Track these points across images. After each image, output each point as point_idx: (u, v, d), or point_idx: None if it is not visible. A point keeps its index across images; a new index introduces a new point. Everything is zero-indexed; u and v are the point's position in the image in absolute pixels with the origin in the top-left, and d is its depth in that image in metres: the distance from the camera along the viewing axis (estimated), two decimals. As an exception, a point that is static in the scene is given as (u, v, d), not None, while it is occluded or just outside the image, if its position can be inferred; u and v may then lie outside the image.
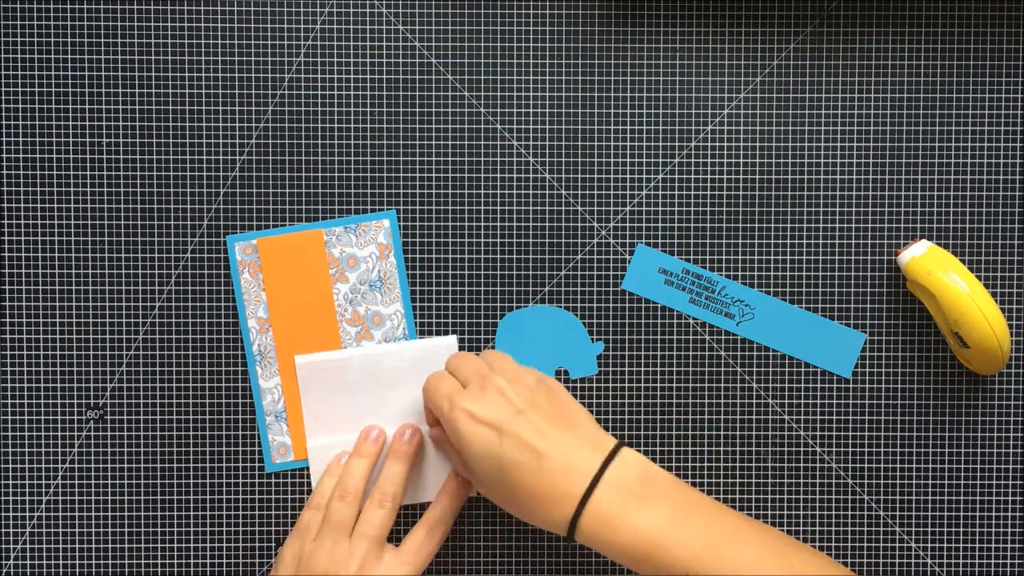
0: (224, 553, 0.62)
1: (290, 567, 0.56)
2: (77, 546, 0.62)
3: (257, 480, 0.62)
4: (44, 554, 0.62)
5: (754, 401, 0.62)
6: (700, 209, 0.61)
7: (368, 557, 0.55)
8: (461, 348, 0.61)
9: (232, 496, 0.62)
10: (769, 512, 0.62)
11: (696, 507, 0.51)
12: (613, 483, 0.51)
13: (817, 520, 0.62)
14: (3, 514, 0.61)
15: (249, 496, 0.62)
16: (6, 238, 0.61)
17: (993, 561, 0.62)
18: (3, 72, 0.61)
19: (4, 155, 0.61)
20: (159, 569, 0.62)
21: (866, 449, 0.62)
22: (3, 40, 0.61)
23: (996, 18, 0.61)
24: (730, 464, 0.62)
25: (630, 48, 0.61)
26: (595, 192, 0.61)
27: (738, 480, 0.62)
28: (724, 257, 0.61)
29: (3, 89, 0.61)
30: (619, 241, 0.61)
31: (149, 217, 0.61)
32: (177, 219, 0.61)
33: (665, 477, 0.52)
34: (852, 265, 0.61)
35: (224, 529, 0.62)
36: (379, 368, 0.61)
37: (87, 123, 0.61)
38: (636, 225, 0.61)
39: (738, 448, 0.62)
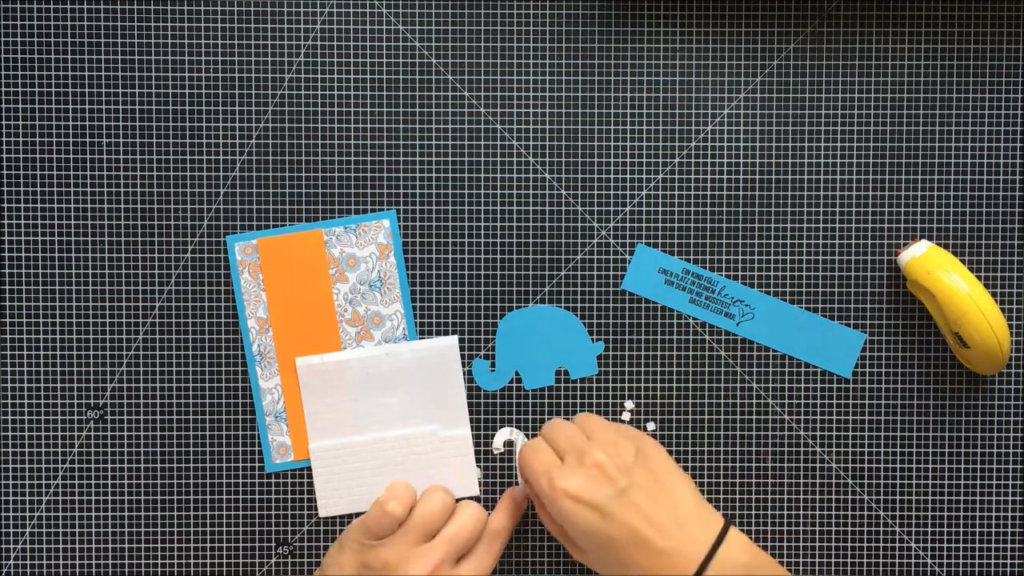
0: (224, 553, 0.62)
1: (354, 551, 0.56)
2: (77, 546, 0.62)
3: (257, 480, 0.62)
4: (44, 554, 0.62)
5: (754, 401, 0.62)
6: (700, 209, 0.61)
7: (444, 564, 0.55)
8: (461, 348, 0.61)
9: (232, 496, 0.62)
10: (769, 512, 0.62)
11: None
12: (721, 571, 0.51)
13: (817, 520, 0.62)
14: (3, 514, 0.61)
15: (249, 496, 0.62)
16: (6, 238, 0.61)
17: (993, 561, 0.62)
18: (3, 72, 0.61)
19: (4, 155, 0.61)
20: (159, 569, 0.62)
21: (866, 449, 0.62)
22: (3, 40, 0.61)
23: (996, 18, 0.61)
24: (730, 464, 0.62)
25: (630, 48, 0.61)
26: (595, 192, 0.61)
27: (738, 480, 0.62)
28: (724, 257, 0.61)
29: (3, 89, 0.61)
30: (619, 241, 0.61)
31: (149, 217, 0.61)
32: (177, 219, 0.61)
33: (770, 563, 0.52)
34: (852, 265, 0.61)
35: (224, 529, 0.62)
36: (379, 369, 0.61)
37: (87, 123, 0.61)
38: (636, 225, 0.61)
39: (738, 448, 0.62)
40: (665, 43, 0.61)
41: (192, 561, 0.62)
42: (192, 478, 0.62)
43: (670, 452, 0.62)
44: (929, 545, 0.62)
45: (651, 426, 0.62)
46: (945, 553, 0.62)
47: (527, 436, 0.62)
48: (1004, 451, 0.62)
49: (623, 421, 0.62)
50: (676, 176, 0.61)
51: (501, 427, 0.62)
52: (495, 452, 0.62)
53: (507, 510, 0.58)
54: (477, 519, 0.56)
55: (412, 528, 0.55)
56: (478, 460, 0.62)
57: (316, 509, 0.62)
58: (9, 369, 0.61)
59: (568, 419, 0.57)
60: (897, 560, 0.62)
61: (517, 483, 0.60)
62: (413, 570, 0.54)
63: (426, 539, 0.55)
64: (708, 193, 0.61)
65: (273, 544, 0.62)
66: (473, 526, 0.56)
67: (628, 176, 0.61)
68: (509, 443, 0.61)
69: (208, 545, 0.62)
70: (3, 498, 0.61)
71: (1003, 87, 0.61)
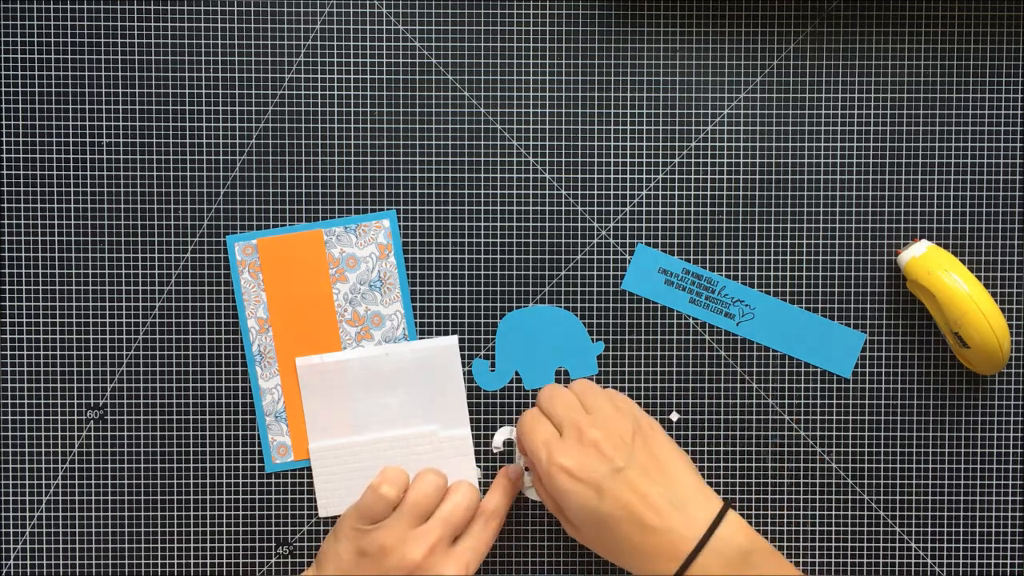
0: (224, 553, 0.62)
1: (349, 539, 0.56)
2: (77, 546, 0.62)
3: (257, 480, 0.62)
4: (44, 554, 0.62)
5: (754, 401, 0.62)
6: (700, 209, 0.61)
7: (440, 544, 0.55)
8: (461, 348, 0.61)
9: (232, 496, 0.62)
10: (769, 512, 0.62)
11: None
12: (717, 552, 0.50)
13: (817, 520, 0.62)
14: (3, 514, 0.62)
15: (249, 496, 0.62)
16: (6, 238, 0.61)
17: (993, 561, 0.62)
18: (3, 72, 0.61)
19: (4, 155, 0.61)
20: (159, 569, 0.62)
21: (866, 449, 0.62)
22: (3, 40, 0.61)
23: (996, 18, 0.61)
24: (730, 464, 0.62)
25: (630, 48, 0.61)
26: (595, 192, 0.61)
27: (738, 480, 0.62)
28: (724, 257, 0.61)
29: (3, 89, 0.61)
30: (619, 241, 0.61)
31: (149, 217, 0.61)
32: (177, 219, 0.61)
33: (767, 549, 0.52)
34: (852, 265, 0.61)
35: (224, 529, 0.62)
36: (380, 369, 0.61)
37: (87, 123, 0.61)
38: (636, 225, 0.61)
39: (738, 448, 0.62)
40: (665, 43, 0.61)
41: (192, 561, 0.62)
42: (192, 478, 0.62)
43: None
44: (929, 545, 0.62)
45: (651, 426, 0.62)
46: (945, 553, 0.62)
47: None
48: (1004, 451, 0.62)
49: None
50: (676, 176, 0.61)
51: (501, 427, 0.62)
52: (495, 452, 0.62)
53: (502, 489, 0.58)
54: (471, 498, 0.56)
55: (406, 510, 0.55)
56: (478, 460, 0.62)
57: (316, 509, 0.62)
58: (9, 369, 0.61)
59: (565, 385, 0.57)
60: (897, 560, 0.62)
61: (514, 461, 0.60)
62: (410, 552, 0.54)
63: (421, 521, 0.55)
64: (708, 193, 0.61)
65: (273, 544, 0.62)
66: (467, 505, 0.56)
67: (628, 176, 0.61)
68: (509, 443, 0.61)
69: (208, 545, 0.62)
70: (3, 498, 0.61)
71: (1003, 87, 0.61)
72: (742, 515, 0.61)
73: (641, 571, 0.52)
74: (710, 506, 0.52)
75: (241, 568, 0.62)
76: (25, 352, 0.61)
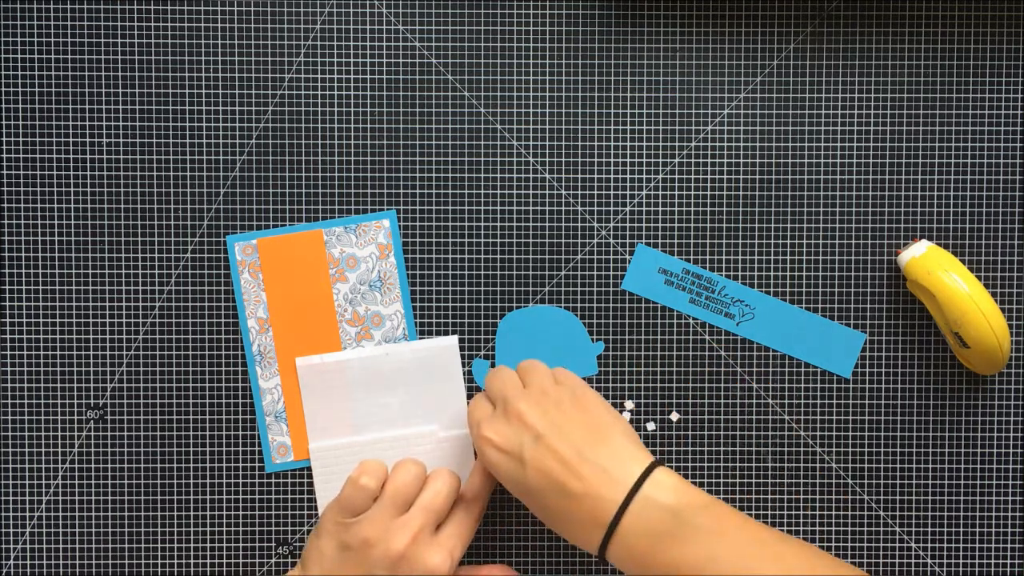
0: (224, 553, 0.62)
1: (331, 534, 0.55)
2: (77, 546, 0.62)
3: (257, 480, 0.62)
4: (44, 554, 0.62)
5: (754, 401, 0.62)
6: (700, 209, 0.61)
7: (423, 532, 0.54)
8: (461, 348, 0.61)
9: (232, 496, 0.62)
10: (769, 512, 0.62)
11: (729, 538, 0.49)
12: (642, 514, 0.49)
13: (817, 520, 0.62)
14: (3, 514, 0.61)
15: (249, 496, 0.62)
16: (6, 238, 0.61)
17: (993, 561, 0.62)
18: (3, 72, 0.61)
19: (4, 155, 0.61)
20: (159, 569, 0.62)
21: (866, 449, 0.62)
22: (3, 40, 0.61)
23: (996, 18, 0.61)
24: (730, 464, 0.62)
25: (630, 48, 0.61)
26: (595, 192, 0.61)
27: (738, 480, 0.62)
28: (724, 257, 0.61)
29: (3, 89, 0.61)
30: (619, 241, 0.61)
31: (149, 217, 0.61)
32: (177, 219, 0.61)
33: (704, 503, 0.50)
34: (852, 265, 0.61)
35: (224, 529, 0.62)
36: (379, 369, 0.61)
37: (87, 123, 0.61)
38: (636, 225, 0.61)
39: (738, 448, 0.62)
40: (665, 43, 0.61)
41: (192, 561, 0.62)
42: (192, 478, 0.62)
43: (670, 452, 0.62)
44: (929, 545, 0.62)
45: (651, 426, 0.62)
46: (945, 553, 0.62)
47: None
48: (1004, 451, 0.62)
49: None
50: (676, 176, 0.61)
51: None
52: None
53: (480, 474, 0.57)
54: (451, 485, 0.55)
55: (387, 500, 0.54)
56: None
57: (316, 509, 0.62)
58: (9, 369, 0.61)
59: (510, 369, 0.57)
60: (897, 560, 0.62)
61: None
62: (393, 542, 0.53)
63: (402, 510, 0.55)
64: (708, 193, 0.61)
65: (273, 544, 0.62)
66: (448, 492, 0.55)
67: (628, 176, 0.61)
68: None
69: (208, 545, 0.62)
70: (3, 498, 0.61)
71: (1003, 87, 0.61)
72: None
73: (575, 540, 0.51)
74: (635, 468, 0.50)
75: (241, 568, 0.62)
76: (25, 352, 0.61)
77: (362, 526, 0.54)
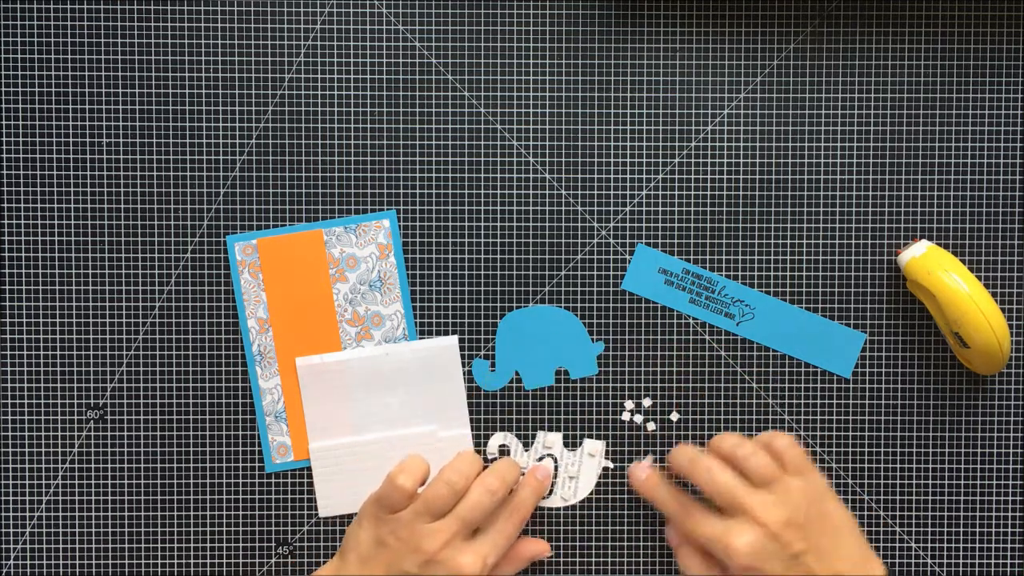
0: (224, 553, 0.62)
1: (369, 526, 0.56)
2: (77, 546, 0.62)
3: (257, 480, 0.62)
4: (44, 554, 0.62)
5: (754, 401, 0.62)
6: (700, 209, 0.61)
7: (455, 538, 0.55)
8: (461, 348, 0.61)
9: (232, 496, 0.62)
10: (769, 512, 0.62)
11: None
12: None
13: (817, 520, 0.62)
14: (3, 514, 0.62)
15: (249, 496, 0.62)
16: (6, 238, 0.61)
17: (993, 561, 0.62)
18: (3, 72, 0.61)
19: (4, 155, 0.61)
20: (159, 569, 0.62)
21: (866, 449, 0.62)
22: (3, 40, 0.61)
23: (996, 18, 0.61)
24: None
25: (630, 48, 0.61)
26: (595, 192, 0.61)
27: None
28: (724, 257, 0.61)
29: (3, 89, 0.61)
30: (619, 241, 0.61)
31: (149, 217, 0.61)
32: (177, 219, 0.61)
33: None
34: (852, 265, 0.61)
35: (224, 529, 0.62)
36: (379, 369, 0.61)
37: (86, 123, 0.61)
38: (636, 225, 0.61)
39: (738, 448, 0.62)
40: (665, 43, 0.61)
41: (192, 561, 0.62)
42: (192, 478, 0.62)
43: (669, 451, 0.62)
44: (929, 545, 0.62)
45: (651, 426, 0.62)
46: (945, 553, 0.62)
47: (520, 440, 0.62)
48: (1004, 451, 0.62)
49: (623, 421, 0.62)
50: (676, 176, 0.61)
51: (500, 428, 0.62)
52: (490, 458, 0.62)
53: (530, 487, 0.58)
54: (494, 498, 0.56)
55: (420, 509, 0.55)
56: (478, 460, 0.62)
57: (316, 509, 0.62)
58: (9, 369, 0.61)
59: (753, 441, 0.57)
60: (897, 560, 0.62)
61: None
62: (424, 544, 0.54)
63: (436, 518, 0.56)
64: (708, 193, 0.61)
65: (273, 544, 0.62)
66: (488, 505, 0.56)
67: (628, 176, 0.61)
68: (503, 447, 0.61)
69: (208, 545, 0.62)
70: (3, 498, 0.61)
71: (1003, 87, 0.61)
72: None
73: None
74: None
75: (241, 568, 0.62)
76: (25, 352, 0.61)
77: (396, 524, 0.55)
